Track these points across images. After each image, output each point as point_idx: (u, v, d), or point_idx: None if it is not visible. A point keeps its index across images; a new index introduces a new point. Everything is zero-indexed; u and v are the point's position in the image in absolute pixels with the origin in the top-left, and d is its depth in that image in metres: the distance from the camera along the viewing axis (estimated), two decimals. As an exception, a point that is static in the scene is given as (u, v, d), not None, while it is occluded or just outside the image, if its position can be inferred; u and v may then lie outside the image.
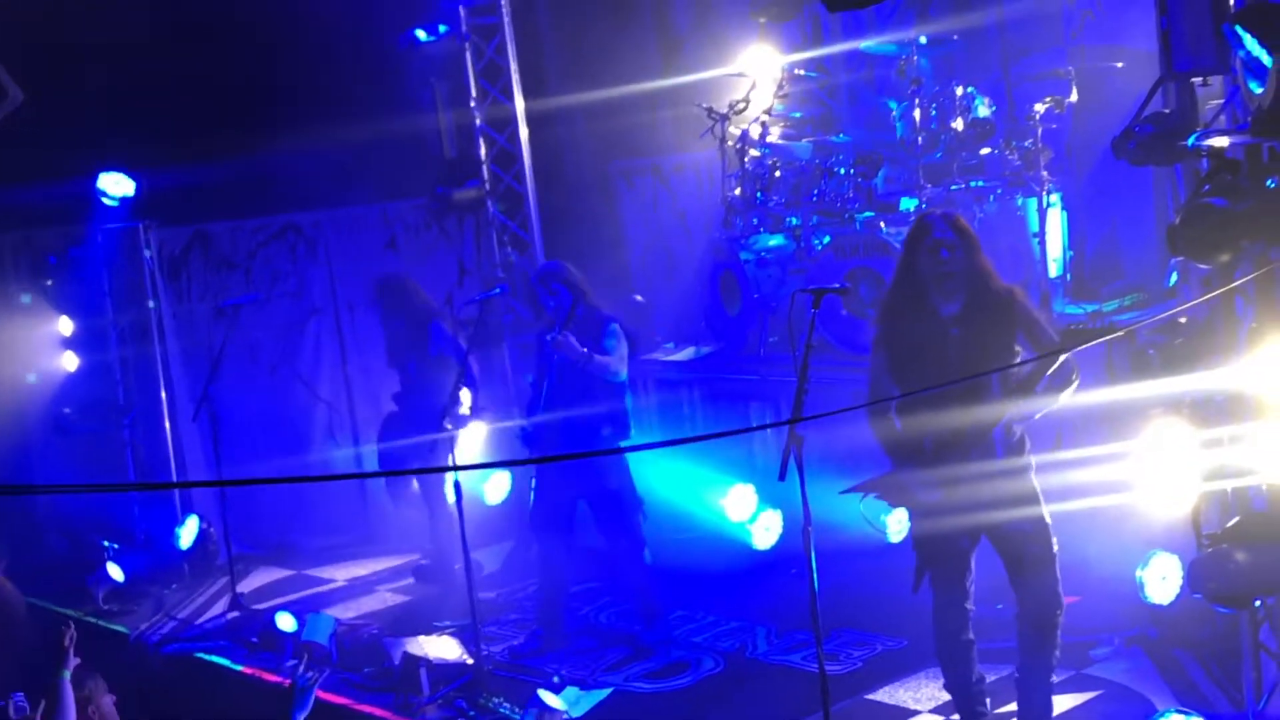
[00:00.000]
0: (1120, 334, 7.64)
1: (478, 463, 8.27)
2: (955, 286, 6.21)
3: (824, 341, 9.04)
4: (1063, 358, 6.00)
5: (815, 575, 5.86)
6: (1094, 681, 7.08)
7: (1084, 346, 7.52)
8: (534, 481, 8.25)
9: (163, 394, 10.67)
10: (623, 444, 8.10)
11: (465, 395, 8.58)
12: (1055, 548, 6.23)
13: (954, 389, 5.97)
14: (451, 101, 11.80)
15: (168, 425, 10.65)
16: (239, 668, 8.64)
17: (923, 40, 9.38)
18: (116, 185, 10.20)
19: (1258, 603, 5.94)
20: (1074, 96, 9.34)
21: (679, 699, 7.61)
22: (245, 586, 9.86)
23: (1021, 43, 9.91)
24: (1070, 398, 6.17)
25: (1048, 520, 6.24)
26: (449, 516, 9.67)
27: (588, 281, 8.17)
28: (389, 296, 9.57)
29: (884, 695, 7.28)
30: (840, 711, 6.69)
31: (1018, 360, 6.13)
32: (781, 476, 6.51)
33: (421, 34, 11.21)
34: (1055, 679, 6.49)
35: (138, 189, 10.32)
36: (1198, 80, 6.75)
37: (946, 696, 6.71)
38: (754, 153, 10.08)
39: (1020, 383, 6.12)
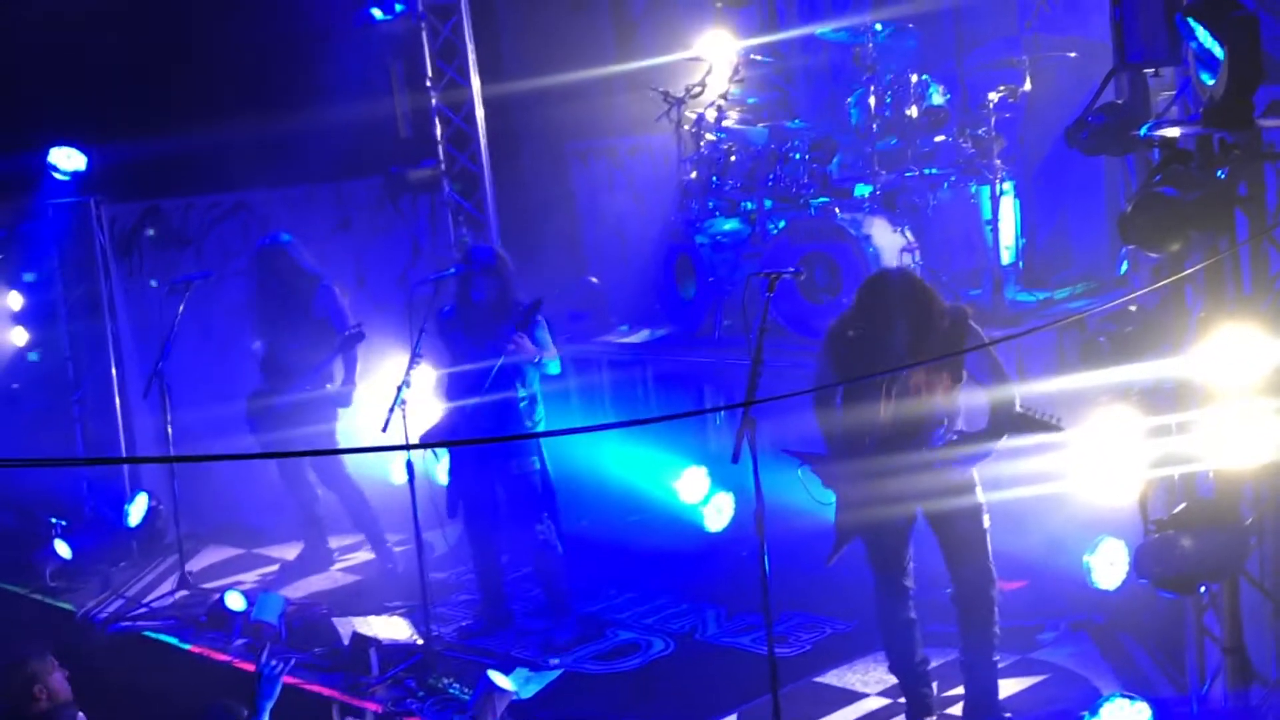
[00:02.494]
0: (1070, 321, 7.72)
1: (391, 444, 8.23)
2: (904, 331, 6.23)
3: (778, 325, 9.08)
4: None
5: (766, 558, 5.89)
6: (1040, 665, 7.16)
7: (1036, 331, 7.60)
8: (449, 466, 8.22)
9: (113, 371, 10.59)
10: (540, 425, 8.07)
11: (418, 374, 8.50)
12: (987, 524, 6.32)
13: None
14: (407, 81, 11.74)
15: (118, 402, 10.57)
16: (187, 646, 8.59)
17: (878, 27, 9.41)
18: (68, 160, 10.10)
19: (1203, 589, 6.01)
20: (1027, 86, 9.41)
21: (629, 680, 7.64)
22: (194, 565, 9.81)
23: (976, 32, 9.99)
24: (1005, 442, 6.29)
25: (981, 501, 6.33)
26: (357, 495, 9.66)
27: (510, 266, 8.13)
28: (271, 260, 9.39)
29: (833, 678, 7.33)
30: (789, 694, 6.73)
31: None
32: (734, 459, 6.55)
33: (378, 13, 11.15)
34: (999, 660, 6.56)
35: (89, 164, 10.22)
36: (1150, 71, 6.81)
37: (894, 679, 6.77)
38: (709, 137, 10.10)
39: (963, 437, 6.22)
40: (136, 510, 10.30)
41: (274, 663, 6.04)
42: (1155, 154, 6.08)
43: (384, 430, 8.05)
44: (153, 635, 8.83)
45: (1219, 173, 5.49)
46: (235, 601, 8.58)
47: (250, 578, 9.81)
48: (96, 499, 10.65)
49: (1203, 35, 5.25)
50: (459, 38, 11.43)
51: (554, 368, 8.04)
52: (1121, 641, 7.24)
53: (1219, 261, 5.68)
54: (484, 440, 7.93)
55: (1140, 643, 7.16)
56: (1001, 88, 9.24)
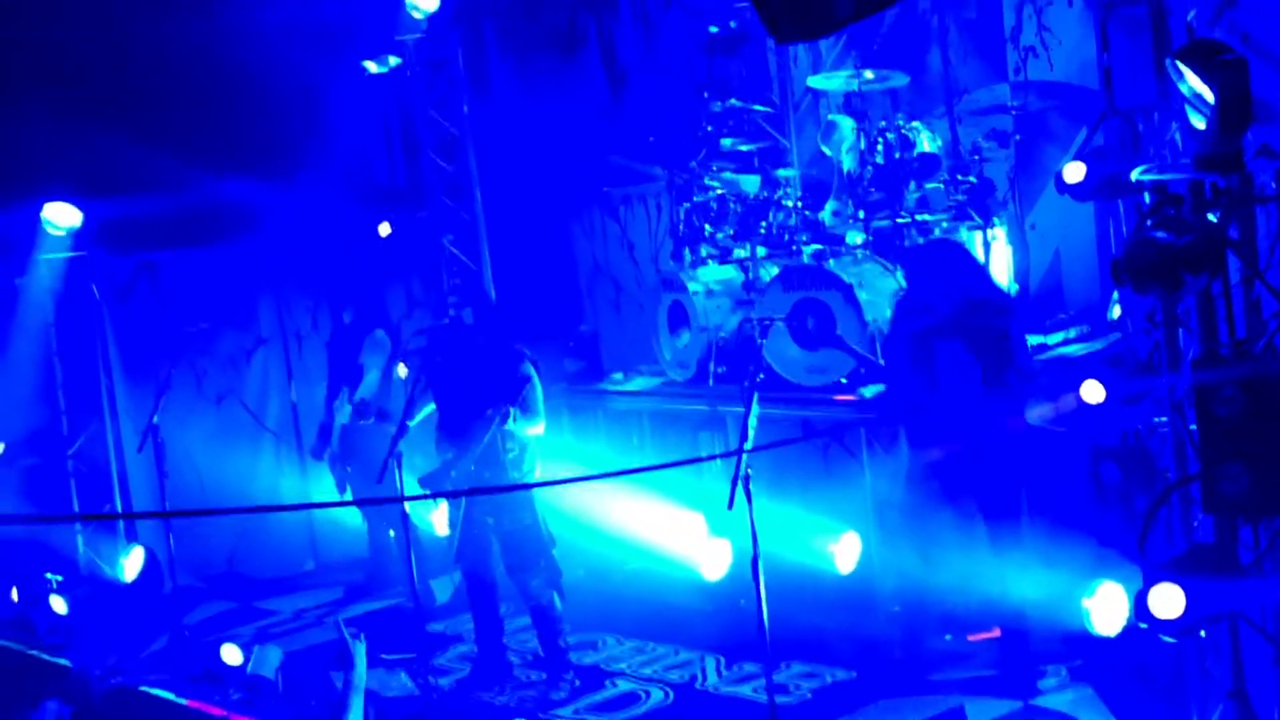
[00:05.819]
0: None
1: (385, 496, 8.25)
2: None
3: (771, 372, 9.08)
4: None
5: (764, 606, 5.89)
6: (1042, 713, 7.14)
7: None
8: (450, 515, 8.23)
9: (108, 425, 10.57)
10: (530, 473, 8.05)
11: None
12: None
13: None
14: (402, 132, 11.79)
15: (112, 456, 10.55)
16: (183, 701, 8.55)
17: (869, 75, 9.47)
18: (63, 215, 10.11)
19: (1203, 633, 6.00)
20: (1016, 133, 9.49)
21: (629, 731, 7.61)
22: (190, 618, 9.77)
23: (965, 79, 10.06)
24: None
25: None
26: (384, 532, 9.70)
27: (502, 316, 8.19)
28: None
29: (833, 727, 7.31)
30: (790, 742, 6.70)
31: None
32: (730, 506, 6.55)
33: (372, 65, 11.20)
34: None
35: (85, 218, 10.24)
36: (1139, 115, 6.87)
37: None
38: (703, 184, 10.13)
39: None
40: (132, 564, 10.26)
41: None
42: (1146, 198, 6.11)
43: (379, 481, 8.06)
44: (149, 690, 8.78)
45: (1211, 216, 5.51)
46: (232, 655, 8.53)
47: (247, 631, 9.76)
48: (92, 553, 10.60)
49: (1192, 79, 5.29)
50: (453, 88, 11.49)
51: (530, 427, 7.97)
52: (1123, 685, 7.21)
53: (1212, 304, 5.70)
54: (474, 491, 7.91)
55: (1142, 686, 7.13)
56: (991, 134, 9.31)
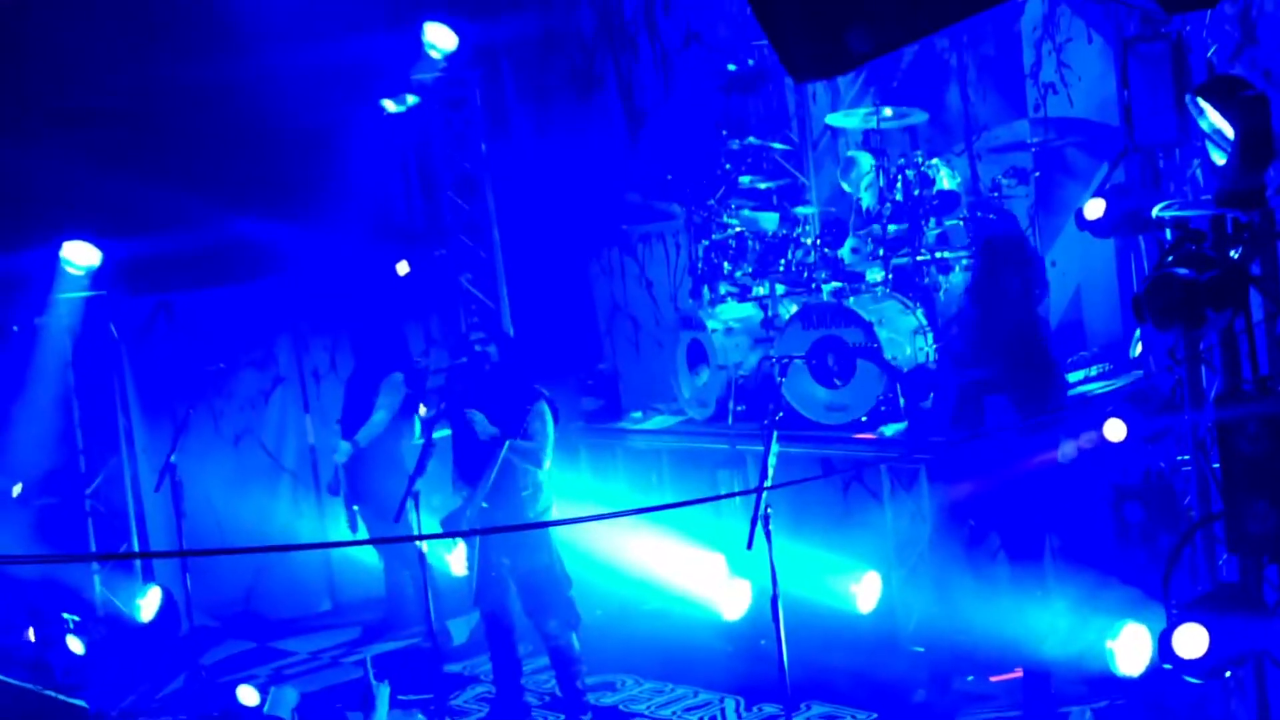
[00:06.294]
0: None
1: (401, 535, 8.22)
2: None
3: (791, 411, 9.04)
4: None
5: (784, 646, 5.83)
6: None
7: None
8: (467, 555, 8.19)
9: (125, 464, 10.57)
10: (546, 512, 8.01)
11: None
12: None
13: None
14: (420, 171, 11.81)
15: (130, 496, 10.54)
16: (199, 742, 8.52)
17: (888, 113, 9.46)
18: (82, 255, 10.15)
19: (1228, 673, 5.92)
20: (1036, 169, 9.46)
21: (647, 773, 7.55)
22: (207, 659, 9.73)
23: (985, 116, 10.05)
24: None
25: None
26: (401, 572, 9.66)
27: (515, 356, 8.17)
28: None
29: (855, 768, 7.24)
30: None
31: None
32: (750, 545, 6.51)
33: (390, 104, 11.24)
34: None
35: (104, 258, 10.27)
36: (1159, 152, 6.84)
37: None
38: (721, 222, 10.12)
39: None
40: (149, 604, 10.23)
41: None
42: (1168, 234, 6.08)
43: (396, 520, 8.03)
44: (165, 731, 8.76)
45: (1232, 252, 5.47)
46: (248, 696, 8.49)
47: (264, 671, 9.72)
48: (109, 593, 10.58)
49: (1213, 115, 5.26)
50: (471, 127, 11.52)
51: (539, 463, 7.93)
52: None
53: (1235, 341, 5.65)
54: (489, 530, 7.87)
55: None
56: (1011, 170, 9.29)
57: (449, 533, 7.92)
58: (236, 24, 10.44)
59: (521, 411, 7.82)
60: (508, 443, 7.73)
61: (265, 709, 8.28)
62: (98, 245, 10.17)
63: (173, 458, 9.45)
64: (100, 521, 10.59)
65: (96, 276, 10.27)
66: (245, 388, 11.14)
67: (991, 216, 9.21)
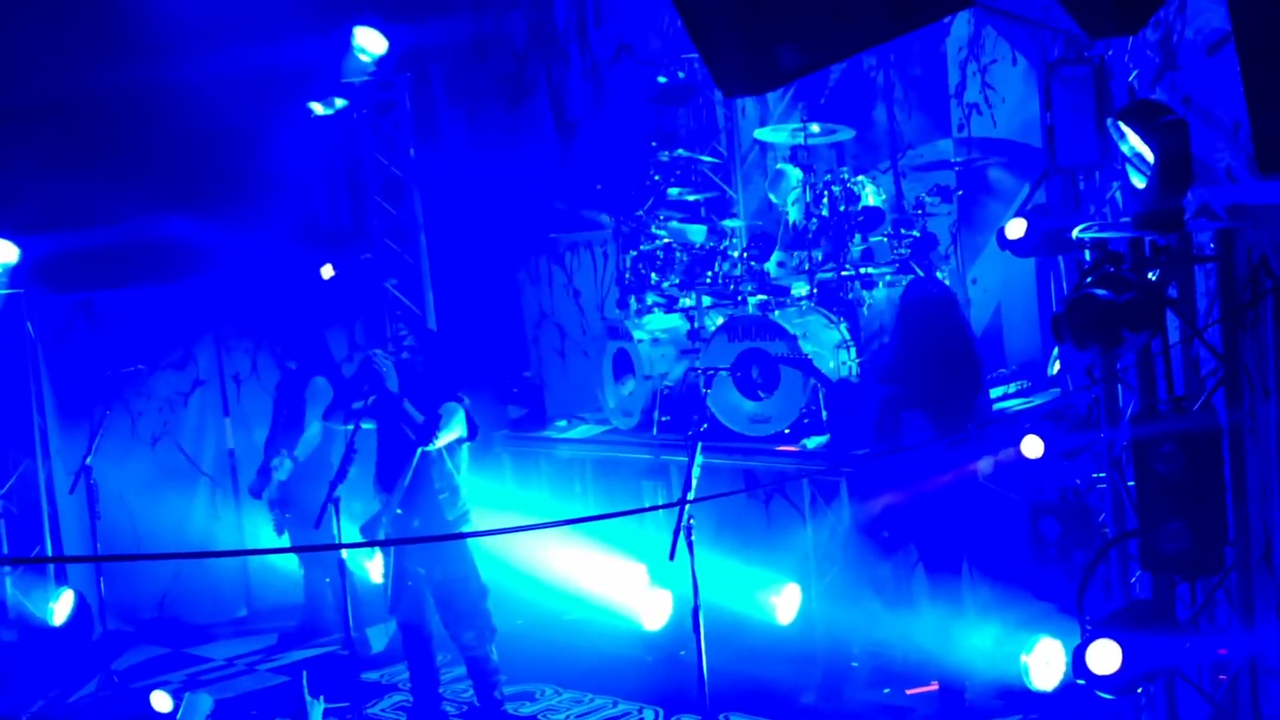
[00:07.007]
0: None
1: (320, 544, 8.18)
2: None
3: (715, 422, 9.08)
4: None
5: (704, 657, 5.85)
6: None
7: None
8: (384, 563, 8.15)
9: (39, 465, 10.41)
10: (464, 517, 7.97)
11: None
12: None
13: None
14: (347, 175, 11.73)
15: (43, 497, 10.38)
16: (111, 749, 8.40)
17: (815, 129, 9.53)
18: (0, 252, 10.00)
19: (1140, 689, 6.01)
20: (959, 188, 9.58)
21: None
22: (120, 664, 9.60)
23: (910, 134, 10.15)
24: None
25: None
26: (320, 579, 9.59)
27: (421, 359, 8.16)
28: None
29: (771, 780, 7.27)
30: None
31: None
32: (671, 556, 6.51)
33: (318, 107, 11.17)
34: None
35: (21, 256, 10.12)
36: (1080, 173, 6.93)
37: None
38: (649, 233, 10.14)
39: None
40: (61, 608, 10.09)
41: None
42: (1087, 255, 6.16)
43: (317, 526, 7.96)
44: (76, 737, 8.63)
45: (1150, 274, 5.56)
46: (161, 702, 8.38)
47: (178, 677, 9.61)
48: (20, 596, 10.42)
49: (1134, 139, 5.35)
50: (399, 132, 11.47)
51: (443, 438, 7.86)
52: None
53: (1151, 362, 5.74)
54: (406, 540, 7.81)
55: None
56: (934, 189, 9.40)
57: (369, 541, 7.85)
58: (164, 24, 10.32)
59: (436, 418, 7.78)
60: (419, 450, 7.69)
61: (179, 715, 8.18)
62: (16, 242, 10.02)
63: (89, 459, 9.33)
64: (12, 523, 10.43)
65: (14, 274, 10.12)
66: (164, 389, 11.01)
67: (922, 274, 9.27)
